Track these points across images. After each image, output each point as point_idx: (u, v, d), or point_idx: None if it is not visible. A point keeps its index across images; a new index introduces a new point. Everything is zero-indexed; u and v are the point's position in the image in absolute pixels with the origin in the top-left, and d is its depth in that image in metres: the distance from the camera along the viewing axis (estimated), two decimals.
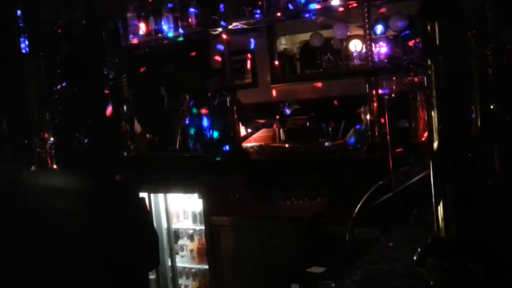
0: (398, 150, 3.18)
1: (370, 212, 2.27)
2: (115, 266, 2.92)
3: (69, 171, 2.82)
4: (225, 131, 5.05)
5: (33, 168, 2.72)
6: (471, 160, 1.45)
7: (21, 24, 2.89)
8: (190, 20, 5.04)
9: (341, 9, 4.49)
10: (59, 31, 2.84)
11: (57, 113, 2.85)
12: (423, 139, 3.03)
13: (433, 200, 1.44)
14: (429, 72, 1.45)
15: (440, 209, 1.42)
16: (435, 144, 1.44)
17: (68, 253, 2.67)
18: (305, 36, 7.27)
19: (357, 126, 5.71)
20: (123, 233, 2.96)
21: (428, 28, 1.41)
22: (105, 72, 3.84)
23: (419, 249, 1.47)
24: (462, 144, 1.43)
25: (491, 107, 1.69)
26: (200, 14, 5.05)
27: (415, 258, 1.45)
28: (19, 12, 2.75)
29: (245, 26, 5.30)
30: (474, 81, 1.67)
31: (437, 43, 1.42)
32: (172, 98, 7.03)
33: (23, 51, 2.96)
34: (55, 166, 2.79)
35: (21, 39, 2.92)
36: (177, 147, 5.96)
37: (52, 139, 2.75)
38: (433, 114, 1.44)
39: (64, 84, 2.81)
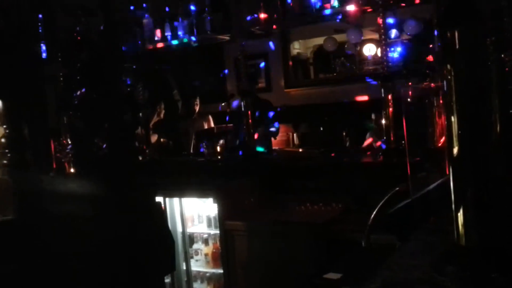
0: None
1: (387, 218, 2.25)
2: (131, 270, 2.93)
3: (87, 176, 2.85)
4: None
5: (52, 174, 2.76)
6: (491, 167, 1.44)
7: (40, 30, 2.93)
8: (204, 25, 5.07)
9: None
10: (78, 38, 2.89)
11: (76, 119, 2.89)
12: (439, 144, 3.00)
13: (453, 207, 1.43)
14: (449, 77, 1.44)
15: (460, 216, 1.41)
16: (455, 150, 1.43)
17: (85, 257, 2.69)
18: (319, 41, 7.27)
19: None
20: (139, 237, 2.98)
21: (448, 34, 1.41)
22: (123, 78, 3.90)
23: (439, 257, 1.46)
24: (483, 150, 1.42)
25: (511, 112, 1.67)
26: (214, 19, 5.09)
27: (434, 266, 1.44)
28: (40, 16, 2.79)
29: (259, 32, 5.32)
30: (493, 87, 1.66)
31: (457, 49, 1.42)
32: (185, 103, 7.07)
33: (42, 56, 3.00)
34: (73, 171, 2.82)
35: (40, 45, 2.95)
36: (191, 151, 6.00)
37: (70, 144, 2.79)
38: (452, 119, 1.43)
39: (83, 90, 2.85)
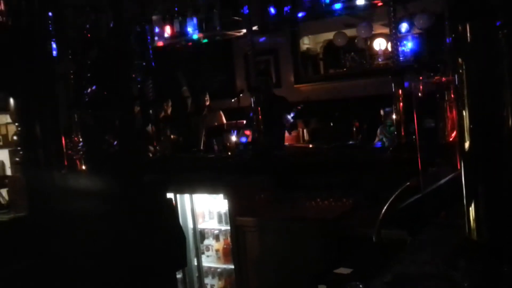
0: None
1: (398, 213, 2.24)
2: (143, 266, 2.96)
3: (98, 173, 2.87)
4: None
5: (63, 171, 2.78)
6: (503, 161, 1.43)
7: (50, 28, 2.95)
8: (214, 22, 5.07)
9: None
10: (88, 35, 2.90)
11: (87, 116, 2.91)
12: (450, 139, 2.98)
13: (465, 202, 1.42)
14: (460, 71, 1.43)
15: (472, 211, 1.40)
16: (467, 144, 1.42)
17: (96, 254, 2.72)
18: (329, 36, 7.24)
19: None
20: (151, 233, 3.00)
21: (460, 28, 1.39)
22: (133, 76, 3.91)
23: (450, 252, 1.45)
24: (494, 144, 1.41)
25: None
26: (223, 16, 5.08)
27: (446, 260, 1.43)
28: (50, 14, 2.81)
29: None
30: (505, 80, 1.64)
31: (468, 42, 1.41)
32: (195, 99, 7.09)
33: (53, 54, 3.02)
34: (85, 168, 2.84)
35: (51, 42, 2.97)
36: (202, 147, 6.01)
37: (81, 141, 2.81)
38: (464, 114, 1.42)
39: (94, 87, 2.86)
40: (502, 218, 1.37)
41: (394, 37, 4.31)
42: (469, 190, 1.42)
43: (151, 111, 5.05)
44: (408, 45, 6.09)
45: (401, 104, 4.11)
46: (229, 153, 4.87)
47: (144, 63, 4.66)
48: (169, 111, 6.30)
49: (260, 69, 6.10)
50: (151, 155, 5.18)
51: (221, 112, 6.70)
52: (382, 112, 5.42)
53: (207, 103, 6.58)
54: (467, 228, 1.41)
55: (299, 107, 5.64)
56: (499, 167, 1.40)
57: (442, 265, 1.43)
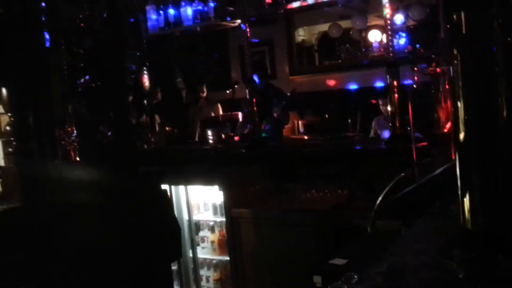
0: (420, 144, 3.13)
1: (393, 204, 2.25)
2: (138, 258, 2.96)
3: (92, 164, 2.86)
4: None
5: (57, 161, 2.77)
6: (498, 151, 1.43)
7: (43, 18, 2.93)
8: (208, 12, 5.04)
9: None
10: (81, 25, 2.88)
11: (81, 107, 2.90)
12: (445, 130, 2.98)
13: (459, 192, 1.42)
14: (455, 62, 1.43)
15: (467, 201, 1.41)
16: (461, 135, 1.42)
17: (91, 245, 2.71)
18: (324, 27, 7.23)
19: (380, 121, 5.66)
20: (146, 225, 3.00)
21: (454, 18, 1.39)
22: (127, 66, 3.89)
23: (444, 241, 1.46)
24: (489, 134, 1.41)
25: None
26: (218, 5, 5.05)
27: (440, 250, 1.44)
28: (43, 4, 2.79)
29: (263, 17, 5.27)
30: (500, 70, 1.64)
31: (463, 32, 1.40)
32: (190, 91, 7.07)
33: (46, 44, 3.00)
34: (78, 159, 2.83)
35: (44, 33, 2.95)
36: (196, 139, 6.00)
37: (75, 132, 2.80)
38: (459, 105, 1.42)
39: (87, 77, 2.85)
40: (496, 207, 1.37)
41: (389, 29, 4.30)
42: (463, 180, 1.42)
43: (145, 101, 5.03)
44: (403, 37, 6.08)
45: (396, 95, 4.11)
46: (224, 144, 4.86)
47: (138, 53, 4.64)
48: (159, 95, 6.25)
49: (255, 61, 6.07)
50: (146, 146, 5.16)
51: (219, 105, 6.68)
52: (381, 102, 5.41)
53: (204, 94, 6.56)
54: (461, 218, 1.41)
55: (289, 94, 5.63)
56: (494, 157, 1.40)
57: (437, 255, 1.43)
